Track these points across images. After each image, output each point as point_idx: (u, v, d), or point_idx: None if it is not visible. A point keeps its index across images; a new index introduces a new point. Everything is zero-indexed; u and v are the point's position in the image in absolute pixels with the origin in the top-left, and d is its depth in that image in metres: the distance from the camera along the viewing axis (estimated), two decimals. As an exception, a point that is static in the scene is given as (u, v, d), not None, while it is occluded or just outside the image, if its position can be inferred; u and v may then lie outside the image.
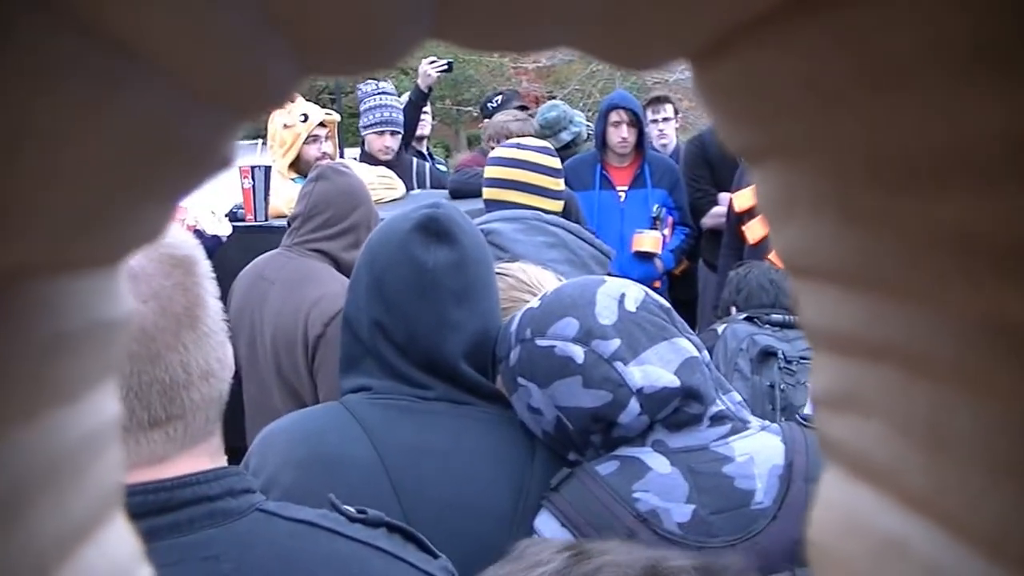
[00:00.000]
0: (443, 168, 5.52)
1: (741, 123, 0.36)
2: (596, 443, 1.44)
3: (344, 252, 2.73)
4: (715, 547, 1.31)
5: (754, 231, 3.88)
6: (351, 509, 1.10)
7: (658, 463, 1.38)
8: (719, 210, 4.90)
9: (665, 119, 5.73)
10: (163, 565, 0.95)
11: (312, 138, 3.89)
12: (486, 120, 5.29)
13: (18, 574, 0.31)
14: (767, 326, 2.81)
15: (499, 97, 5.89)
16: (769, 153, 0.36)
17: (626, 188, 4.81)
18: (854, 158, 0.30)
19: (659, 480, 1.37)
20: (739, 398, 1.51)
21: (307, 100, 4.13)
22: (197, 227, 3.09)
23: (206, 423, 1.03)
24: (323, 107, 4.13)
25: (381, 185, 3.90)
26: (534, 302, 1.54)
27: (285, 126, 3.88)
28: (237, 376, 1.17)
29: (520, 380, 1.48)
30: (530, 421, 1.50)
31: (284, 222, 3.01)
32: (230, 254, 3.05)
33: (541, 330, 1.45)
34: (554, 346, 1.43)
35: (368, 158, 4.60)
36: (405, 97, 5.07)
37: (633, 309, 1.46)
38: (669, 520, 1.33)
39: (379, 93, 4.75)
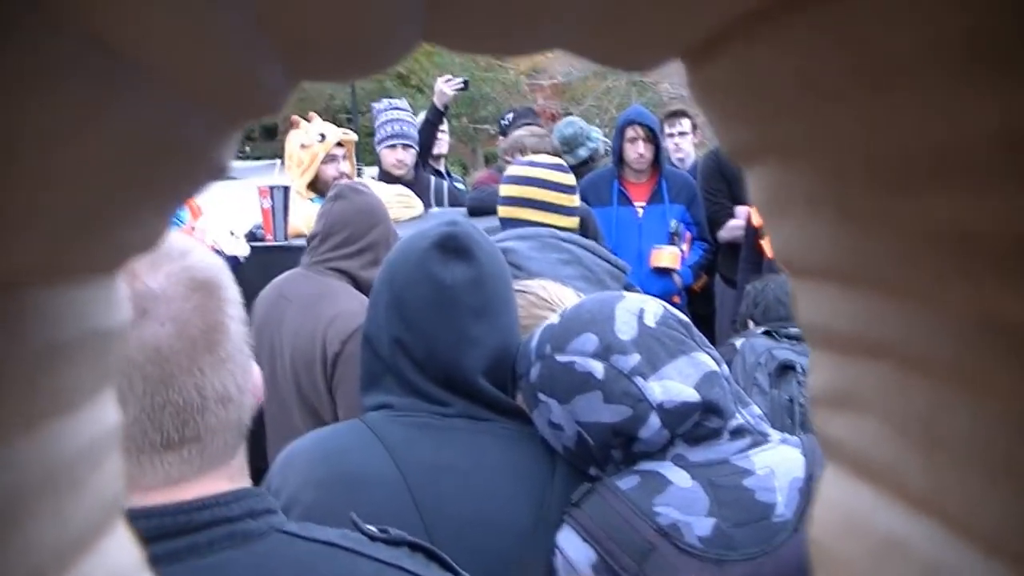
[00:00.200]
0: (461, 186, 5.53)
1: (736, 122, 0.36)
2: (617, 458, 1.44)
3: (363, 270, 2.74)
4: (736, 560, 1.31)
5: (773, 244, 3.86)
6: (373, 528, 1.09)
7: (679, 477, 1.38)
8: (735, 223, 4.89)
9: (682, 133, 5.72)
10: (182, 587, 0.95)
11: (330, 158, 3.90)
12: (501, 137, 5.31)
13: None
14: (785, 340, 2.80)
15: (511, 115, 5.91)
16: (765, 152, 0.36)
17: (644, 204, 4.80)
18: (851, 157, 0.30)
19: (680, 494, 1.36)
20: (759, 411, 1.51)
21: (324, 120, 4.15)
22: (215, 247, 3.11)
23: (224, 447, 1.02)
24: (340, 127, 4.14)
25: (399, 204, 3.91)
26: (553, 318, 1.54)
27: (303, 146, 3.90)
28: (258, 396, 1.17)
29: (540, 396, 1.48)
30: (551, 437, 1.50)
31: (303, 241, 3.02)
32: (249, 274, 3.07)
33: (561, 346, 1.46)
34: (574, 362, 1.43)
35: (386, 176, 4.62)
36: (422, 116, 5.07)
37: (652, 324, 1.46)
38: (690, 534, 1.33)
39: (391, 109, 4.77)
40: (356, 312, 2.52)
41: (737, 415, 1.44)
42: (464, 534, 1.43)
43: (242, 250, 3.26)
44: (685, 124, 5.73)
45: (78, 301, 0.34)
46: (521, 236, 2.53)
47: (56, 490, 0.33)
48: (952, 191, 0.26)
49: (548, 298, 1.79)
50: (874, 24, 0.25)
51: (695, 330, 1.53)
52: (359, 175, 4.53)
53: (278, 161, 4.93)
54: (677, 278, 4.65)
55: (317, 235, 2.82)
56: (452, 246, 1.56)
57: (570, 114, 9.79)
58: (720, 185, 5.06)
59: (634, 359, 1.41)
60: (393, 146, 4.65)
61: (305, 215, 3.51)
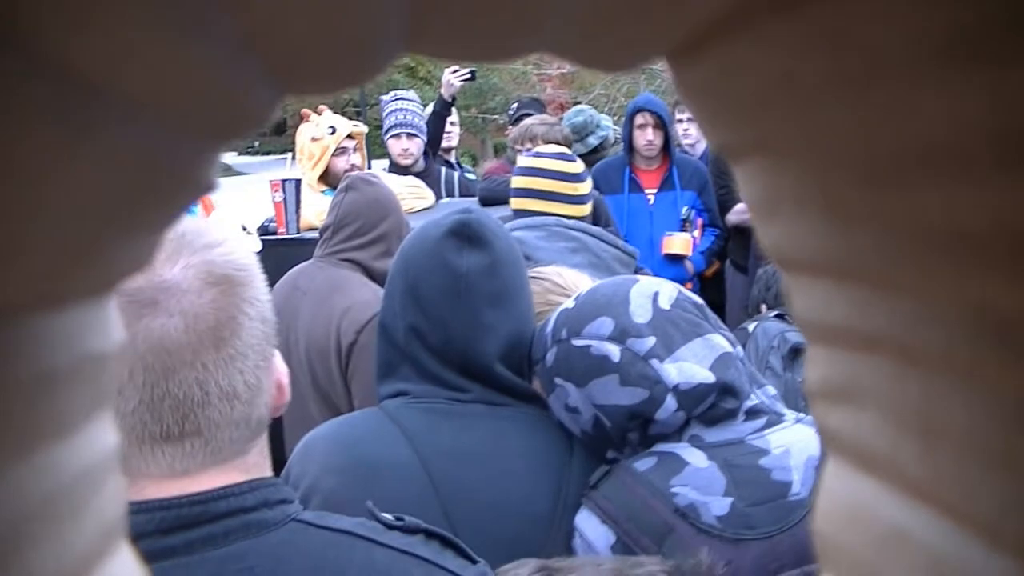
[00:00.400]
0: (471, 176, 5.52)
1: (723, 121, 0.37)
2: (634, 440, 1.45)
3: (375, 261, 2.74)
4: (753, 539, 1.32)
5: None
6: (389, 516, 1.09)
7: (695, 458, 1.39)
8: (743, 206, 4.86)
9: (691, 119, 5.70)
10: (198, 578, 0.95)
11: (340, 150, 3.90)
12: (511, 127, 5.30)
13: None
14: (798, 323, 2.80)
15: (515, 105, 5.90)
16: (753, 150, 0.36)
17: (655, 191, 4.78)
18: (839, 153, 0.30)
19: (697, 474, 1.37)
20: (773, 392, 1.52)
21: (333, 113, 4.15)
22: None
23: (232, 442, 1.01)
24: (349, 119, 4.14)
25: (410, 195, 3.91)
26: (568, 303, 1.55)
27: (313, 139, 3.89)
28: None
29: (557, 380, 1.49)
30: (568, 421, 1.52)
31: (316, 234, 3.02)
32: (263, 268, 3.07)
33: (577, 330, 1.47)
34: (590, 345, 1.44)
35: (396, 168, 4.62)
36: (430, 108, 5.07)
37: (667, 307, 1.47)
38: (708, 513, 1.34)
39: (396, 99, 4.77)
40: (370, 302, 2.52)
41: (752, 396, 1.45)
42: (483, 518, 1.44)
43: (254, 245, 3.26)
44: (695, 110, 5.71)
45: (71, 326, 0.34)
46: (529, 226, 2.55)
47: (56, 515, 0.33)
48: (941, 185, 0.26)
49: (564, 284, 1.80)
50: (858, 20, 0.25)
51: (709, 312, 1.53)
52: (369, 168, 4.52)
53: (289, 155, 4.93)
54: (689, 265, 4.63)
55: (329, 227, 2.82)
56: (466, 233, 1.57)
57: (579, 103, 9.77)
58: (729, 169, 5.03)
59: (650, 342, 1.42)
60: (398, 135, 4.64)
61: (317, 208, 3.52)
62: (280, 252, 3.29)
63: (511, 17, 0.32)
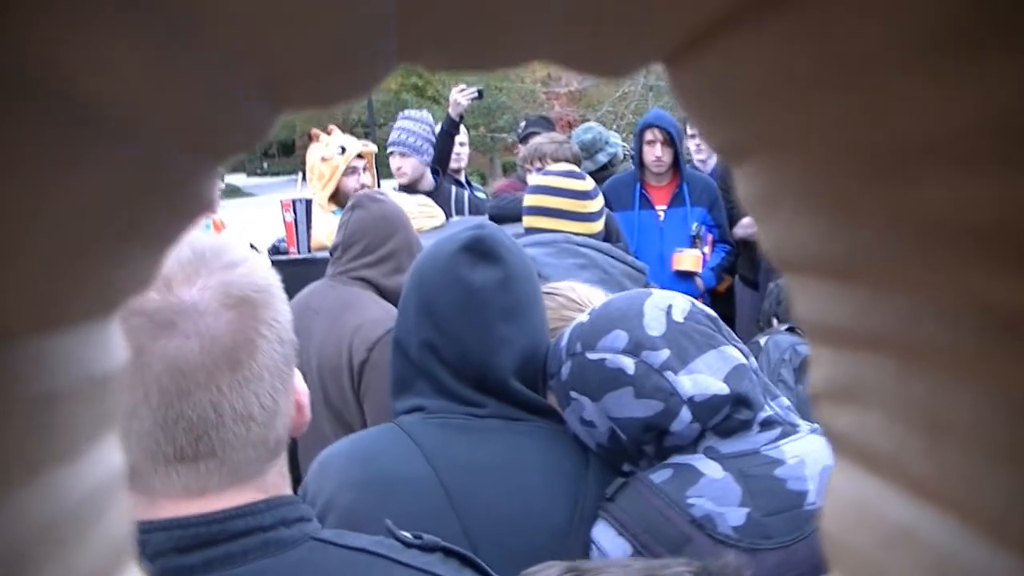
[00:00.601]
0: (481, 195, 5.54)
1: (721, 122, 0.37)
2: (649, 453, 1.46)
3: (385, 278, 2.75)
4: (770, 548, 1.32)
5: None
6: (407, 534, 1.08)
7: (711, 469, 1.40)
8: (749, 220, 4.85)
9: (702, 133, 5.70)
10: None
11: (350, 170, 3.92)
12: (520, 145, 5.31)
13: None
14: (810, 335, 2.80)
15: (524, 123, 5.92)
16: (750, 150, 0.36)
17: (665, 207, 4.79)
18: (839, 150, 0.29)
19: (712, 485, 1.38)
20: (787, 403, 1.53)
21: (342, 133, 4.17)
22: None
23: (248, 463, 1.01)
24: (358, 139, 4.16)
25: (421, 214, 3.91)
26: (582, 317, 1.56)
27: (323, 159, 3.91)
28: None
29: (572, 394, 1.50)
30: (583, 434, 1.52)
31: (326, 254, 3.03)
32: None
33: (591, 344, 1.47)
34: (605, 359, 1.45)
35: (406, 187, 4.63)
36: (438, 127, 5.08)
37: (680, 319, 1.48)
38: (724, 524, 1.34)
39: (400, 119, 4.80)
40: (381, 320, 2.53)
41: (766, 407, 1.46)
42: (500, 533, 1.44)
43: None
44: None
45: (73, 348, 0.34)
46: (538, 243, 2.57)
47: (61, 539, 0.33)
48: (944, 178, 0.25)
49: (578, 299, 1.81)
50: (852, 15, 0.25)
51: (723, 324, 1.54)
52: (378, 187, 4.53)
53: (299, 175, 4.94)
54: (699, 281, 4.63)
55: (338, 246, 2.83)
56: (480, 249, 1.58)
57: (587, 120, 9.80)
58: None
59: (664, 354, 1.42)
60: (391, 154, 4.69)
61: (327, 227, 3.53)
62: (291, 272, 3.26)
63: (501, 23, 0.32)
